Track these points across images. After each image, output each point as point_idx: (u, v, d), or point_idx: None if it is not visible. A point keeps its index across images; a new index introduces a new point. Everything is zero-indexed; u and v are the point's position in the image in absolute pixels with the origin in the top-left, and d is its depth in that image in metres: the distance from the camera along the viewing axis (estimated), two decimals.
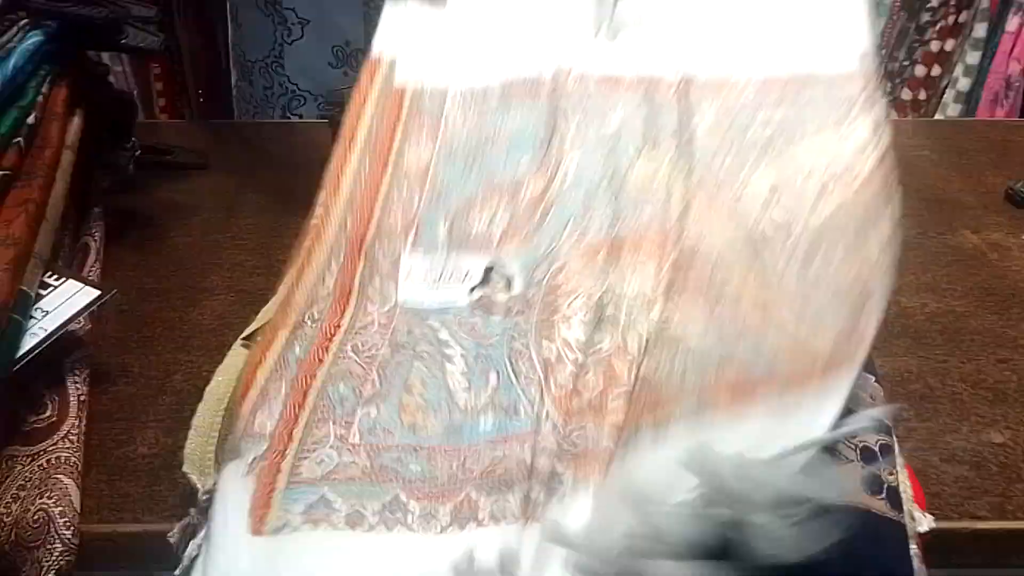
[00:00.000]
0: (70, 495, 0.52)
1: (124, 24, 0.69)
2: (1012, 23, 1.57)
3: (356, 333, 0.55)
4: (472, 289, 0.58)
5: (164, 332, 0.66)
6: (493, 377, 0.53)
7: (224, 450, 0.49)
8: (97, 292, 0.59)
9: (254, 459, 0.49)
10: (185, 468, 0.51)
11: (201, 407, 0.53)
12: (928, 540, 0.49)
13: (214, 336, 0.65)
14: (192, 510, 0.50)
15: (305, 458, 0.49)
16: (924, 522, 0.50)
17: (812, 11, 0.67)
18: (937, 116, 1.67)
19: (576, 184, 0.62)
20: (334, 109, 0.84)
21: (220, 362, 0.58)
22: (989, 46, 1.60)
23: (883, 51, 1.63)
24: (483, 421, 0.51)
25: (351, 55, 1.18)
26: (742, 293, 0.55)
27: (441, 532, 0.47)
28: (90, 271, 0.69)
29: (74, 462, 0.54)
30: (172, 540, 0.50)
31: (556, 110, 0.65)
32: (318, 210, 0.62)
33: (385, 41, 0.70)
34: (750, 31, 0.67)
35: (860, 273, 0.54)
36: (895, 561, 0.46)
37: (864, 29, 0.65)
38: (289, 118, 1.20)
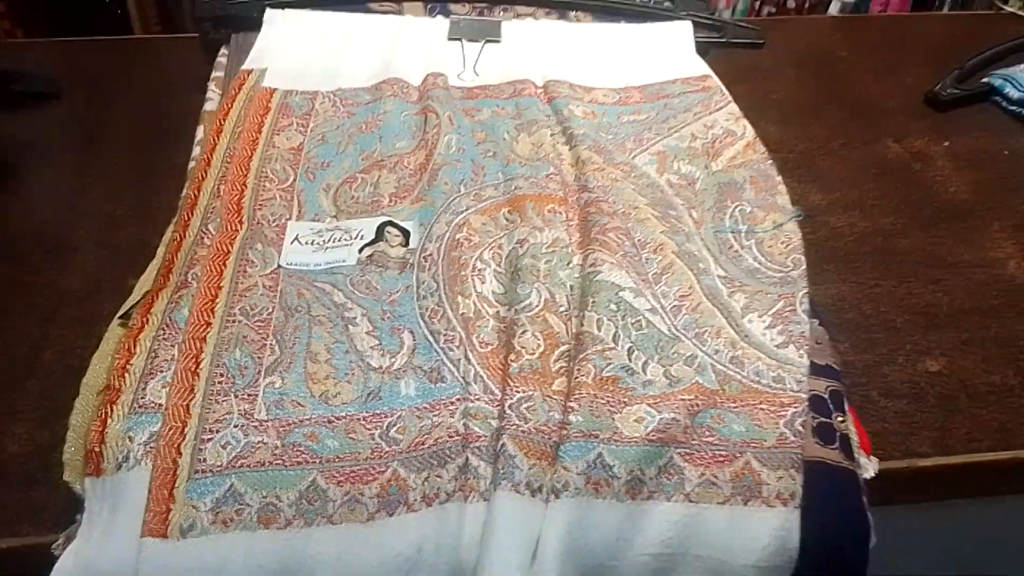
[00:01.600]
0: None
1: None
2: None
3: (240, 295, 0.50)
4: (362, 248, 0.53)
5: (24, 301, 0.58)
6: (407, 337, 0.49)
7: (107, 436, 0.43)
8: None
9: (150, 436, 0.43)
10: (67, 477, 0.44)
11: (78, 403, 0.46)
12: (871, 482, 0.48)
13: (86, 304, 0.57)
14: (79, 516, 0.43)
15: (208, 439, 0.44)
16: (870, 467, 0.48)
17: (648, 41, 0.74)
18: (832, 4, 1.65)
19: (460, 154, 0.60)
20: (204, 23, 0.75)
21: (95, 334, 0.50)
22: None
23: None
24: (404, 386, 0.47)
25: None
26: (663, 241, 0.54)
27: (368, 520, 0.42)
28: None
29: None
30: (57, 553, 0.43)
31: (427, 106, 0.65)
32: (193, 172, 0.58)
33: (255, 61, 0.69)
34: (601, 60, 0.72)
35: (775, 217, 0.56)
36: (851, 511, 0.45)
37: (694, 54, 0.73)
38: None
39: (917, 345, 0.58)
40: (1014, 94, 0.78)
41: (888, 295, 0.61)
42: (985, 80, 0.81)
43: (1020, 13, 0.91)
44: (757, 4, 1.70)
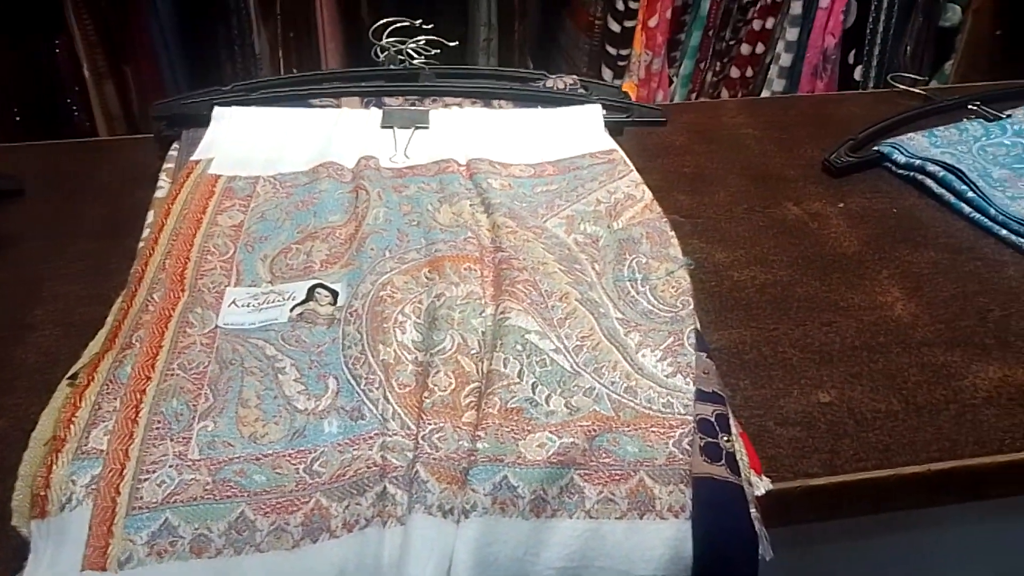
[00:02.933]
0: None
1: None
2: (825, 0, 1.67)
3: (179, 352, 0.55)
4: (293, 307, 0.58)
5: None
6: (332, 382, 0.53)
7: (52, 480, 0.47)
8: None
9: (92, 479, 0.47)
10: (14, 522, 0.48)
11: (27, 454, 0.50)
12: (767, 502, 0.52)
13: (41, 375, 0.61)
14: (26, 562, 0.47)
15: (145, 479, 0.47)
16: (761, 485, 0.53)
17: (562, 122, 0.82)
18: (764, 91, 1.76)
19: (387, 224, 0.66)
20: (160, 123, 0.81)
21: (48, 400, 0.55)
22: (806, 22, 1.70)
23: (711, 32, 1.71)
24: (327, 424, 0.51)
25: None
26: (567, 291, 0.59)
27: (293, 547, 0.46)
28: None
29: None
30: None
31: (359, 184, 0.71)
32: (142, 250, 0.63)
33: (202, 152, 0.76)
34: (519, 140, 0.79)
35: (667, 266, 0.62)
36: (737, 521, 0.49)
37: (603, 132, 0.81)
38: None
39: (811, 380, 0.63)
40: (901, 159, 0.86)
41: (785, 337, 0.66)
42: (876, 148, 0.88)
43: (911, 89, 1.00)
44: (694, 96, 1.81)
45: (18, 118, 1.17)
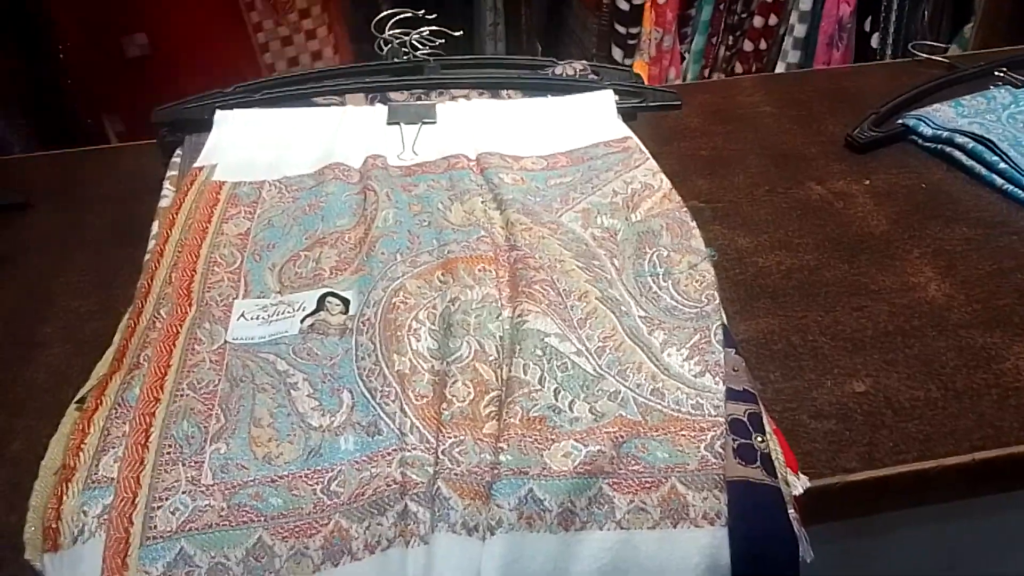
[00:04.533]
0: None
1: None
2: None
3: (188, 372, 0.53)
4: (304, 319, 0.56)
5: None
6: (346, 396, 0.51)
7: (63, 512, 0.45)
8: None
9: (103, 508, 0.45)
10: (27, 555, 0.46)
11: (37, 484, 0.49)
12: (805, 500, 0.50)
13: (52, 395, 0.60)
14: None
15: (158, 507, 0.46)
16: (798, 485, 0.51)
17: (573, 111, 0.79)
18: (779, 63, 1.73)
19: (397, 226, 0.64)
20: (162, 128, 0.79)
21: (58, 426, 0.53)
22: None
23: (722, 5, 1.67)
24: (343, 441, 0.49)
25: None
26: (587, 290, 0.57)
27: (314, 572, 0.44)
28: None
29: None
30: None
31: (367, 185, 0.68)
32: (148, 263, 0.61)
33: (206, 158, 0.73)
34: (529, 132, 0.76)
35: (690, 259, 0.60)
36: (775, 525, 0.47)
37: (616, 119, 0.77)
38: None
39: (844, 369, 0.60)
40: (927, 132, 0.83)
41: (815, 324, 0.64)
42: (900, 121, 0.85)
43: (932, 58, 0.97)
44: (707, 72, 1.78)
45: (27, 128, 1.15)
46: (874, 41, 1.69)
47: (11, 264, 0.74)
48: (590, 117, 0.75)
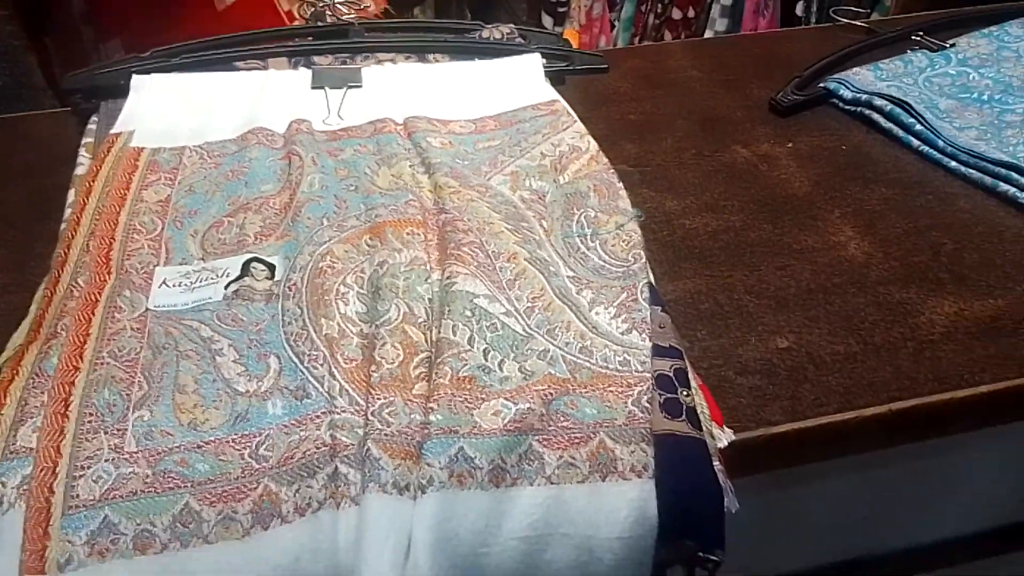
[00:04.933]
0: None
1: None
2: None
3: (108, 340, 0.52)
4: (228, 284, 0.55)
5: None
6: (273, 361, 0.51)
7: None
8: None
9: (22, 479, 0.44)
10: None
11: None
12: (730, 453, 0.51)
13: None
14: None
15: (80, 476, 0.45)
16: (723, 438, 0.52)
17: (500, 74, 0.79)
18: (707, 31, 1.74)
19: (323, 191, 0.63)
20: (76, 95, 0.77)
21: None
22: None
23: None
24: (271, 406, 0.49)
25: None
26: (516, 251, 0.57)
27: (244, 536, 0.44)
28: None
29: None
30: None
31: (292, 150, 0.67)
32: (64, 232, 0.59)
33: (123, 124, 0.72)
34: (457, 95, 0.76)
35: (617, 219, 0.60)
36: (700, 477, 0.48)
37: (544, 82, 0.78)
38: None
39: (768, 326, 0.62)
40: (847, 95, 0.85)
41: (740, 284, 0.65)
42: (821, 85, 0.87)
43: (854, 23, 0.99)
44: (637, 40, 1.79)
45: None
46: (799, 9, 1.72)
47: None
48: (517, 80, 0.75)
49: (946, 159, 0.77)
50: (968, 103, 0.83)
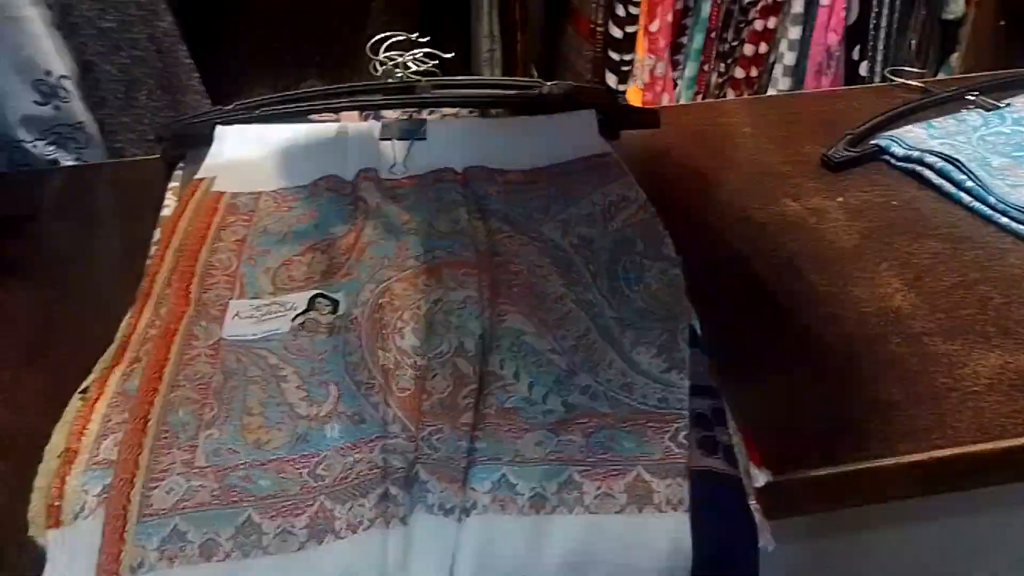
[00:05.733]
0: None
1: None
2: None
3: (184, 365, 0.56)
4: (295, 317, 0.59)
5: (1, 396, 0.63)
6: (333, 389, 0.54)
7: (66, 491, 0.49)
8: None
9: (103, 488, 0.48)
10: (31, 532, 0.49)
11: (41, 467, 0.51)
12: (770, 494, 0.52)
13: (55, 394, 0.62)
14: (43, 572, 0.48)
15: (154, 487, 0.49)
16: (760, 477, 0.53)
17: (556, 128, 0.81)
18: (770, 90, 1.77)
19: (386, 234, 0.67)
20: (165, 143, 0.83)
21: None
22: (808, 20, 1.70)
23: (713, 34, 1.72)
24: (329, 429, 0.52)
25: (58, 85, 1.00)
26: (563, 293, 0.60)
27: (299, 549, 0.47)
28: None
29: None
30: None
31: (358, 196, 0.72)
32: (149, 267, 0.65)
33: (206, 171, 0.76)
34: (514, 147, 0.79)
35: (661, 265, 0.63)
36: (735, 513, 0.49)
37: (597, 136, 0.80)
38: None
39: (809, 371, 0.63)
40: (899, 151, 0.86)
41: (785, 329, 0.67)
42: (874, 142, 0.89)
43: (908, 83, 1.00)
44: (699, 98, 1.82)
45: None
46: (863, 69, 1.74)
47: (16, 272, 0.77)
48: (572, 133, 0.79)
49: (997, 215, 0.78)
50: (1022, 161, 0.84)
